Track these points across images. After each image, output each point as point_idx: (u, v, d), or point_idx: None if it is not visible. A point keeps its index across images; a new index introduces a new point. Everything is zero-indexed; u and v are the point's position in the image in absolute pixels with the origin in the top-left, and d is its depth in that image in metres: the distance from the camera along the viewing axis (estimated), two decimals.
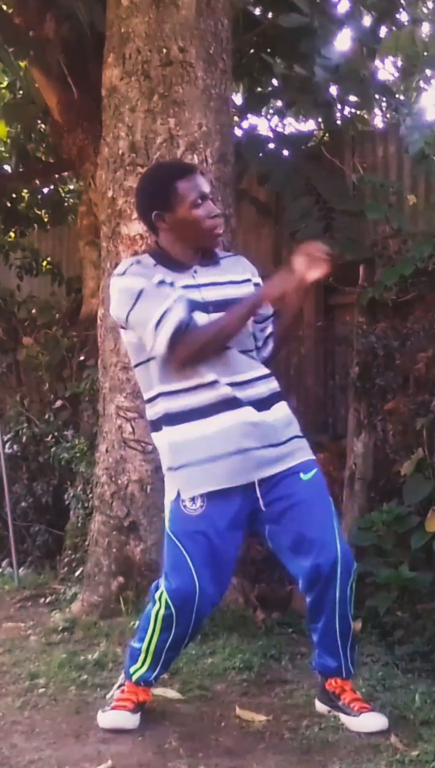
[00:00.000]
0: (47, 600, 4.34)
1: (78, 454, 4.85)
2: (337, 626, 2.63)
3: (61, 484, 5.19)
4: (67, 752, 2.50)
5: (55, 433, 5.34)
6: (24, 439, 5.52)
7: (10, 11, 5.35)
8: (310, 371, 5.08)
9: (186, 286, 2.63)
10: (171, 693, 2.94)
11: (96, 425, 4.31)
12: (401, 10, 5.88)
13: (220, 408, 2.59)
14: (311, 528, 2.61)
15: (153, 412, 2.70)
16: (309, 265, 2.59)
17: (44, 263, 6.71)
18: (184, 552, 2.62)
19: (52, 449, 5.17)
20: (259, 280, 2.81)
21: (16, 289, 6.55)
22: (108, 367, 3.97)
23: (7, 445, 5.30)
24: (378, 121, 7.06)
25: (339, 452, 4.40)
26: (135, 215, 3.86)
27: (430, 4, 6.24)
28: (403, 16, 5.88)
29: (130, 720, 2.68)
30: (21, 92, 6.50)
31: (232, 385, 2.60)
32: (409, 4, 5.93)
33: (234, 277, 2.74)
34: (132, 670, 2.73)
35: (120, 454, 3.86)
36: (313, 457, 2.73)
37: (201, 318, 2.60)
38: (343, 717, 2.66)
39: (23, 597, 4.43)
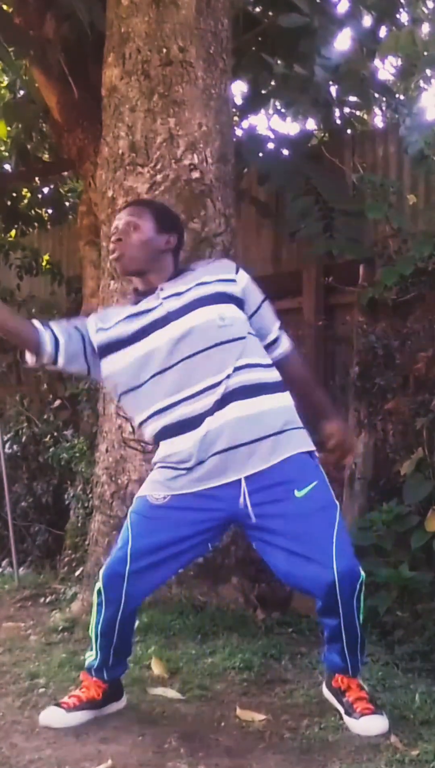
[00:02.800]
0: (47, 600, 4.34)
1: (78, 454, 4.85)
2: (344, 637, 2.60)
3: (61, 483, 5.20)
4: (67, 752, 2.50)
5: (55, 433, 5.35)
6: (24, 438, 5.53)
7: (10, 11, 5.35)
8: (310, 371, 5.08)
9: (148, 310, 2.73)
10: (171, 693, 2.94)
11: (96, 425, 4.31)
12: (401, 10, 5.88)
13: (179, 429, 2.61)
14: (303, 554, 2.54)
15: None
16: None
17: (44, 263, 6.72)
18: (129, 534, 2.66)
19: (52, 449, 5.18)
20: (240, 278, 2.80)
21: (16, 289, 6.56)
22: None
23: (7, 445, 5.30)
24: (378, 121, 7.07)
25: None
26: None
27: (430, 4, 6.23)
28: (403, 16, 5.88)
29: (60, 719, 2.68)
30: (21, 92, 6.50)
31: (186, 399, 2.60)
32: (409, 4, 5.93)
33: (204, 278, 2.76)
34: (86, 655, 2.81)
35: (120, 453, 3.86)
36: (302, 450, 2.63)
37: (163, 332, 2.66)
38: (344, 716, 2.65)
39: (23, 597, 4.43)
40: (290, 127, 6.92)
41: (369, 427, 4.22)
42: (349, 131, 5.59)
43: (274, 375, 2.70)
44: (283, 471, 2.58)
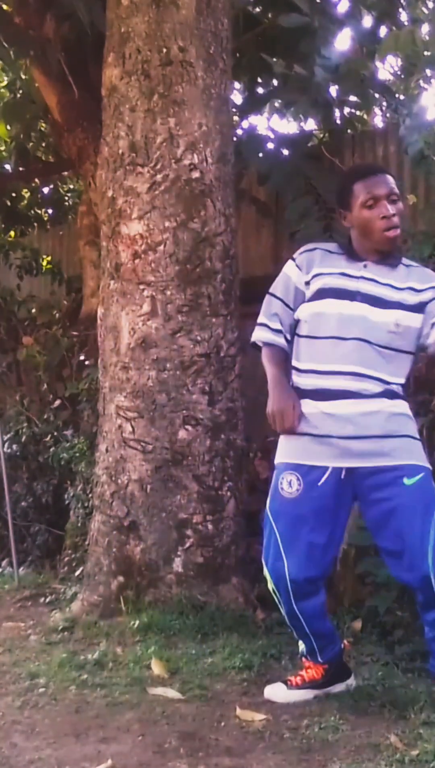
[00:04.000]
0: (47, 600, 4.34)
1: (78, 454, 4.85)
2: None
3: (61, 483, 5.20)
4: (67, 752, 2.50)
5: (55, 433, 5.34)
6: (24, 438, 5.53)
7: (10, 11, 5.36)
8: None
9: (343, 274, 2.79)
10: (171, 693, 2.94)
11: (96, 425, 4.31)
12: (401, 10, 5.88)
13: (317, 395, 2.75)
14: (403, 539, 2.66)
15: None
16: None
17: (44, 263, 6.72)
18: (275, 532, 2.77)
19: (52, 449, 5.18)
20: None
21: (16, 289, 6.56)
22: (108, 367, 3.97)
23: (7, 445, 5.30)
24: (378, 121, 7.06)
25: None
26: (135, 215, 3.88)
27: (430, 4, 6.22)
28: (403, 16, 5.88)
29: (283, 694, 2.89)
30: (21, 92, 6.50)
31: (341, 373, 2.72)
32: (409, 4, 5.92)
33: (398, 283, 2.79)
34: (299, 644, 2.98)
35: (120, 453, 3.86)
36: (419, 463, 2.72)
37: (338, 304, 2.75)
38: None
39: (23, 597, 4.43)
40: (290, 127, 6.93)
41: None
42: (349, 131, 5.59)
43: (402, 390, 2.81)
44: (392, 467, 2.70)
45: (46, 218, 7.70)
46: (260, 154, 5.25)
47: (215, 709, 2.81)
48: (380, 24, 5.67)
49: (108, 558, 3.85)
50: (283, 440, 2.84)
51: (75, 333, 5.77)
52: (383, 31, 5.58)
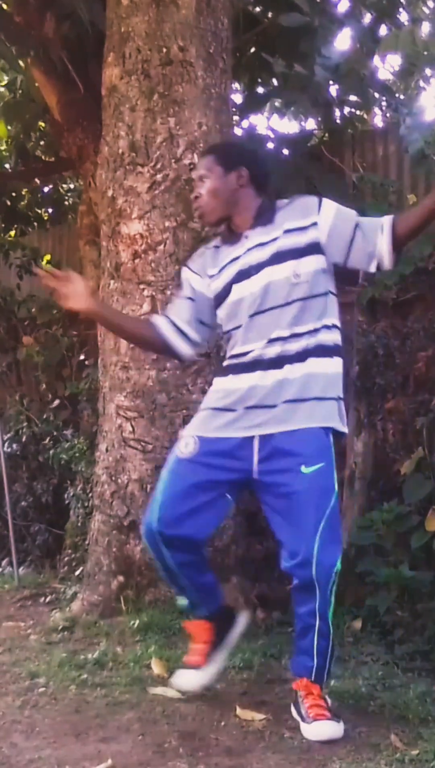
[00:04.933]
0: (47, 599, 4.34)
1: (78, 454, 4.85)
2: (316, 625, 2.62)
3: (61, 483, 5.20)
4: (67, 751, 2.50)
5: (55, 433, 5.34)
6: (24, 438, 5.53)
7: (11, 10, 5.35)
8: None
9: (233, 259, 2.79)
10: (171, 692, 2.94)
11: (96, 424, 4.31)
12: (401, 9, 5.88)
13: (231, 370, 2.78)
14: (289, 531, 2.65)
15: None
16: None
17: (44, 262, 6.71)
18: (159, 487, 2.79)
19: (52, 449, 5.17)
20: (323, 214, 2.77)
21: (16, 289, 6.55)
22: (108, 367, 3.97)
23: (7, 445, 5.30)
24: (378, 121, 7.06)
25: (339, 452, 4.39)
26: (135, 214, 3.88)
27: (430, 4, 6.22)
28: (403, 16, 5.88)
29: (198, 678, 2.88)
30: (21, 91, 6.49)
31: (250, 349, 2.73)
32: (409, 4, 5.92)
33: (287, 224, 2.77)
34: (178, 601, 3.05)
35: (120, 453, 3.86)
36: (321, 425, 2.70)
37: (244, 285, 2.75)
38: (300, 724, 2.63)
39: (23, 596, 4.43)
40: (291, 127, 6.92)
41: (369, 426, 4.22)
42: (349, 131, 5.58)
43: (334, 338, 2.79)
44: (296, 442, 2.67)
45: (46, 218, 7.69)
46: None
47: (215, 709, 2.81)
48: (380, 23, 5.67)
49: (108, 558, 3.85)
50: (195, 416, 2.89)
51: (75, 333, 5.77)
52: (383, 30, 5.58)
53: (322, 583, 2.59)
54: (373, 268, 2.79)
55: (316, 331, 2.73)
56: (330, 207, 2.79)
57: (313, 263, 2.73)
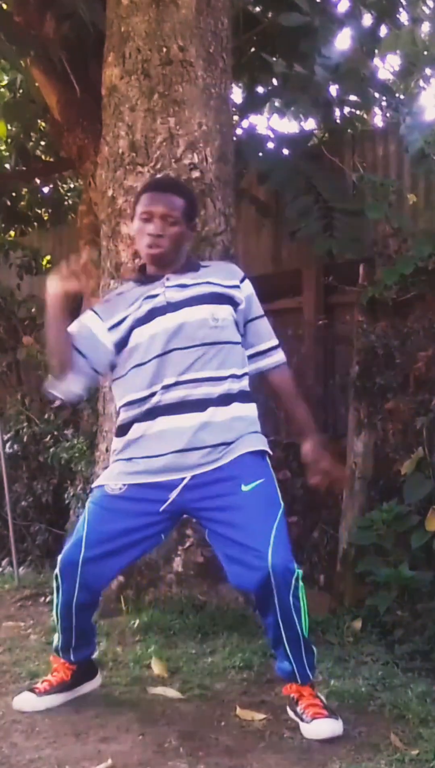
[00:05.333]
0: (47, 599, 4.32)
1: (78, 454, 4.85)
2: (283, 635, 2.59)
3: (61, 483, 5.19)
4: (67, 751, 2.50)
5: (55, 433, 5.34)
6: (24, 438, 5.52)
7: (10, 10, 5.35)
8: (310, 371, 5.08)
9: (148, 297, 2.76)
10: (171, 692, 2.94)
11: (96, 424, 4.31)
12: (401, 9, 5.88)
13: (151, 414, 2.71)
14: (238, 546, 2.59)
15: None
16: (63, 277, 2.74)
17: (44, 262, 6.71)
18: (85, 522, 2.74)
19: (52, 449, 5.17)
20: (244, 286, 2.86)
21: (16, 288, 6.55)
22: None
23: (7, 444, 5.30)
24: (378, 121, 7.06)
25: (339, 452, 4.40)
26: None
27: (430, 4, 6.22)
28: (403, 16, 5.88)
29: (32, 703, 2.81)
30: (21, 91, 6.50)
31: (164, 388, 2.68)
32: (409, 4, 5.92)
33: (215, 279, 2.80)
34: (53, 637, 2.93)
35: None
36: (254, 450, 2.69)
37: (158, 322, 2.71)
38: (300, 725, 2.62)
39: (23, 596, 4.42)
40: (291, 127, 6.92)
41: (369, 426, 4.22)
42: (349, 131, 5.59)
43: (246, 384, 2.77)
44: (230, 468, 2.66)
45: (46, 218, 7.69)
46: (260, 154, 5.25)
47: (215, 709, 2.82)
48: (380, 23, 5.67)
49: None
50: (111, 467, 2.82)
51: None
52: (383, 30, 5.59)
53: (281, 589, 2.53)
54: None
55: (237, 377, 2.74)
56: (249, 284, 2.88)
57: (229, 311, 2.77)
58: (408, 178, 4.91)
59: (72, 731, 2.65)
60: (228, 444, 2.68)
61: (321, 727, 2.55)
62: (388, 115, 6.45)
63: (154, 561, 3.74)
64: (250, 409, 2.78)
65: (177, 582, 3.73)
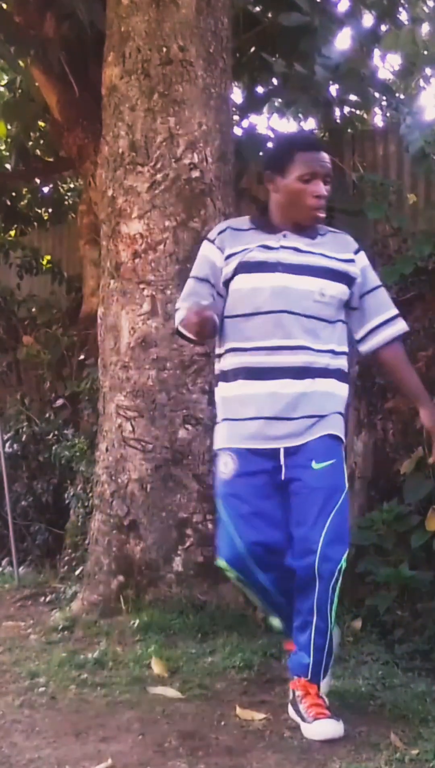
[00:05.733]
0: (47, 599, 4.34)
1: (78, 453, 4.85)
2: (314, 623, 2.61)
3: (61, 483, 5.20)
4: (67, 751, 2.50)
5: (55, 432, 5.34)
6: (24, 437, 5.53)
7: (10, 10, 5.35)
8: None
9: (263, 246, 2.71)
10: (171, 692, 2.94)
11: (96, 424, 4.31)
12: (401, 9, 5.88)
13: (250, 374, 2.70)
14: (297, 527, 2.62)
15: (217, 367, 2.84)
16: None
17: (44, 262, 6.72)
18: (224, 514, 2.72)
19: (52, 448, 5.18)
20: (359, 258, 2.82)
21: (16, 288, 6.56)
22: (108, 366, 3.97)
23: (7, 444, 5.30)
24: (378, 120, 7.06)
25: None
26: (135, 214, 3.88)
27: (430, 3, 6.22)
28: (403, 16, 5.87)
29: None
30: (21, 91, 6.49)
31: (269, 349, 2.67)
32: (409, 4, 5.92)
33: (330, 252, 2.76)
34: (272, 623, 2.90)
35: (120, 452, 3.86)
36: (334, 434, 2.70)
37: (260, 278, 2.68)
38: (300, 724, 2.62)
39: (23, 596, 4.43)
40: (292, 126, 6.92)
41: (369, 426, 4.22)
42: (349, 131, 5.58)
43: (345, 363, 2.77)
44: (313, 444, 2.67)
45: (46, 217, 7.69)
46: (260, 153, 5.25)
47: (215, 709, 2.81)
48: (380, 23, 5.67)
49: (108, 557, 3.85)
50: (218, 428, 2.81)
51: (75, 332, 5.77)
52: (383, 30, 5.58)
53: (324, 578, 2.57)
54: (357, 336, 2.86)
55: (336, 354, 2.75)
56: (364, 255, 2.85)
57: (341, 290, 2.75)
58: (408, 178, 4.92)
59: (72, 731, 2.65)
60: (320, 417, 2.68)
61: (322, 728, 2.55)
62: (388, 115, 6.45)
63: (154, 560, 3.75)
64: (343, 389, 2.77)
65: (177, 582, 3.73)
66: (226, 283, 2.75)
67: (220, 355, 2.81)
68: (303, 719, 2.61)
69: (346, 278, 2.76)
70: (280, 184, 2.74)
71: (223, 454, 2.74)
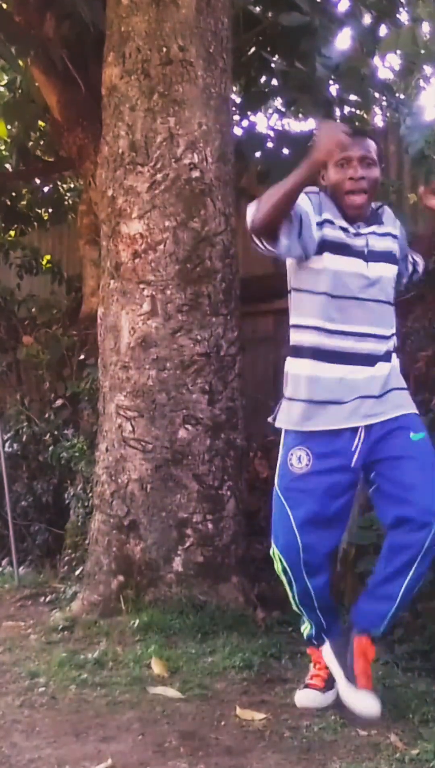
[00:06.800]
0: (47, 599, 4.34)
1: (78, 453, 4.85)
2: (407, 579, 2.62)
3: (61, 483, 5.20)
4: (67, 751, 2.50)
5: (55, 432, 5.34)
6: (24, 438, 5.53)
7: (11, 10, 5.36)
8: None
9: (344, 229, 2.70)
10: (171, 692, 2.94)
11: (96, 424, 4.31)
12: (401, 9, 5.88)
13: (335, 357, 2.69)
14: (414, 485, 2.63)
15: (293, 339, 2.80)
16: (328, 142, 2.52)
17: (44, 262, 6.72)
18: (286, 508, 2.70)
19: (52, 448, 5.18)
20: (400, 232, 2.89)
21: (16, 288, 6.56)
22: (108, 366, 3.97)
23: (7, 444, 5.30)
24: (378, 120, 7.06)
25: None
26: (135, 214, 3.88)
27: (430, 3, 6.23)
28: (403, 16, 5.88)
29: (319, 700, 2.74)
30: (21, 91, 6.50)
31: (352, 334, 2.69)
32: (409, 4, 5.93)
33: (391, 229, 2.82)
34: (302, 630, 2.88)
35: (120, 453, 3.86)
36: (411, 411, 2.77)
37: (357, 263, 2.69)
38: (340, 680, 2.63)
39: (23, 596, 4.43)
40: (294, 125, 6.92)
41: None
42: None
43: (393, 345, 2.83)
44: (402, 420, 2.72)
45: (46, 217, 7.69)
46: (260, 153, 5.25)
47: (215, 709, 2.81)
48: (380, 23, 5.67)
49: (108, 557, 3.85)
50: (291, 405, 2.75)
51: (75, 332, 5.77)
52: (383, 30, 5.59)
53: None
54: (409, 269, 2.97)
55: (393, 336, 2.80)
56: (399, 223, 2.92)
57: (396, 270, 2.83)
58: (408, 179, 4.92)
59: (72, 731, 2.65)
60: (391, 390, 2.73)
61: (365, 702, 2.57)
62: (388, 114, 6.46)
63: (154, 560, 3.75)
64: (397, 368, 2.83)
65: (177, 582, 3.73)
66: (317, 253, 2.68)
67: (306, 327, 2.73)
68: (349, 680, 2.61)
69: (395, 258, 2.83)
70: (326, 177, 2.75)
71: (297, 450, 2.71)
